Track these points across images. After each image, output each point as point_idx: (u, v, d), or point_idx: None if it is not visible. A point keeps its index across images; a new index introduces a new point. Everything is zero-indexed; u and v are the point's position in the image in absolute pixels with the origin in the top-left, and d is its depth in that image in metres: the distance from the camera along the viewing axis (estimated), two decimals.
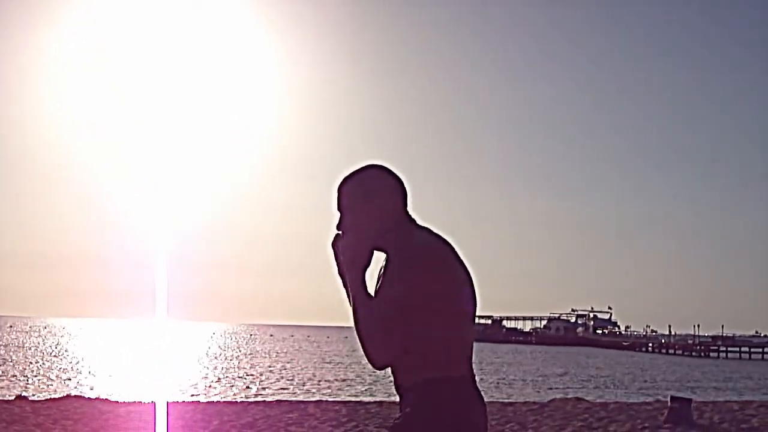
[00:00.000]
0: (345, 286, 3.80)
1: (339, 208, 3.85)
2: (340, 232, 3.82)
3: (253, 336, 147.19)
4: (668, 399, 19.19)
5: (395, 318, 3.57)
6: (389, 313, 3.57)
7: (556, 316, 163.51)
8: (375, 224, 3.78)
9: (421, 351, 3.63)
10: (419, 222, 3.85)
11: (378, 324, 3.59)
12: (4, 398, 24.03)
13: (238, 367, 47.45)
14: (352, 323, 3.69)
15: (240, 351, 74.09)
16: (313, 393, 31.53)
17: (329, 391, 33.07)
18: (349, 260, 3.77)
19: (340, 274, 3.81)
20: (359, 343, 3.63)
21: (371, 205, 3.78)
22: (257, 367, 48.80)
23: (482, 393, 3.76)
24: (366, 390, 34.33)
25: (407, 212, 3.85)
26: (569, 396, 29.86)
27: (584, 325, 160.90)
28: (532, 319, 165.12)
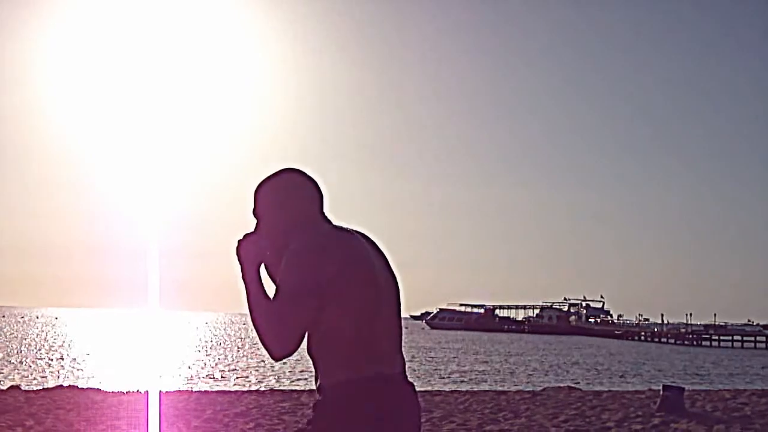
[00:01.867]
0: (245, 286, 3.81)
1: (254, 214, 3.89)
2: (241, 237, 3.83)
3: (246, 325, 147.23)
4: (661, 388, 19.22)
5: (287, 308, 3.56)
6: (281, 305, 3.57)
7: (549, 304, 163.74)
8: (281, 226, 3.80)
9: (327, 351, 3.65)
10: (336, 222, 3.87)
11: (270, 316, 3.59)
12: None
13: (231, 357, 47.46)
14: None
15: (233, 340, 74.10)
16: (307, 382, 31.53)
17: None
18: (244, 257, 3.78)
19: (242, 275, 3.80)
20: (257, 337, 3.65)
21: (282, 209, 3.82)
22: (250, 356, 48.80)
23: (414, 388, 3.79)
24: None
25: (323, 214, 3.87)
26: (562, 385, 29.89)
27: (577, 313, 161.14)
28: (524, 307, 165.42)
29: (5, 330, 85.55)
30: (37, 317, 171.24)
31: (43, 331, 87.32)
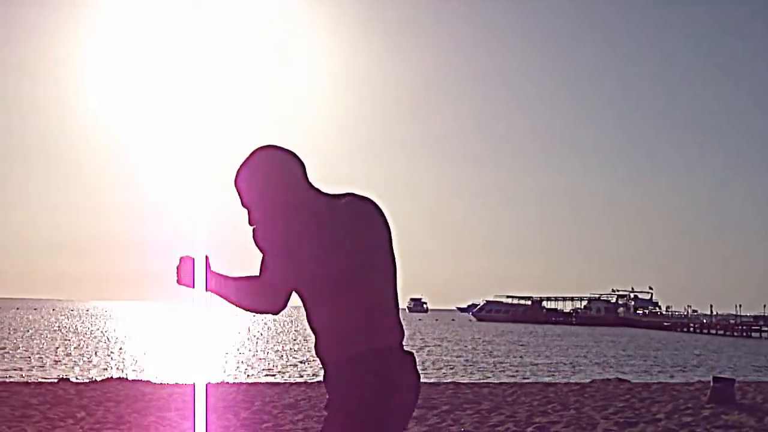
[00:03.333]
0: None
1: (243, 205, 3.80)
2: (254, 228, 3.82)
3: (294, 317, 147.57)
4: (711, 379, 19.07)
5: (275, 268, 3.69)
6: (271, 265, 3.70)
7: (597, 296, 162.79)
8: (281, 207, 3.74)
9: (338, 323, 3.65)
10: (326, 191, 3.83)
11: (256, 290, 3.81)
12: (48, 381, 24.21)
13: (279, 348, 47.60)
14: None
15: (281, 332, 74.31)
16: None
17: None
18: (264, 250, 3.82)
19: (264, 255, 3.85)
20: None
21: (270, 189, 3.72)
22: (299, 348, 48.92)
23: (414, 360, 3.79)
24: None
25: (309, 183, 3.80)
26: (611, 377, 29.74)
27: (625, 305, 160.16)
28: (572, 299, 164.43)
29: (55, 323, 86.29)
30: (87, 310, 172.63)
31: (92, 324, 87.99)
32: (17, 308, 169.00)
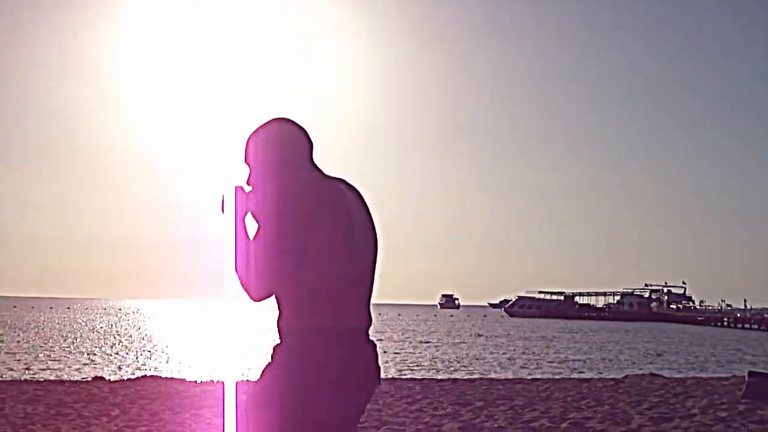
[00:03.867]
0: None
1: (246, 161, 3.95)
2: (250, 187, 3.91)
3: None
4: (746, 374, 18.94)
5: (270, 251, 3.63)
6: (265, 248, 3.64)
7: (630, 291, 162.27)
8: (271, 173, 3.85)
9: (289, 294, 3.67)
10: (327, 173, 3.91)
11: (249, 259, 3.69)
12: (82, 379, 24.33)
13: None
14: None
15: None
16: (387, 369, 31.57)
17: (403, 368, 33.09)
18: (256, 215, 3.82)
19: (256, 220, 3.84)
20: (238, 282, 3.74)
21: (273, 155, 3.86)
22: None
23: (376, 348, 3.80)
24: (440, 367, 34.29)
25: (313, 162, 3.92)
26: (644, 372, 29.61)
27: (658, 300, 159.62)
28: (605, 294, 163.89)
29: (89, 322, 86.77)
30: (120, 309, 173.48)
31: (125, 322, 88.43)
32: (51, 307, 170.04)
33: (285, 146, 3.87)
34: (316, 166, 3.93)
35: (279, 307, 3.76)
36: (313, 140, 3.97)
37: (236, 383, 20.15)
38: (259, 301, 3.74)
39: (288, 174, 3.81)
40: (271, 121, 3.96)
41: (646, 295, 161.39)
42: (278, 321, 3.76)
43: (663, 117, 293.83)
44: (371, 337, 3.81)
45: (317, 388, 3.58)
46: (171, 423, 13.00)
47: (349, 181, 3.91)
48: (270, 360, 3.73)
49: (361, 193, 3.92)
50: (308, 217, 3.64)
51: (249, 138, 3.95)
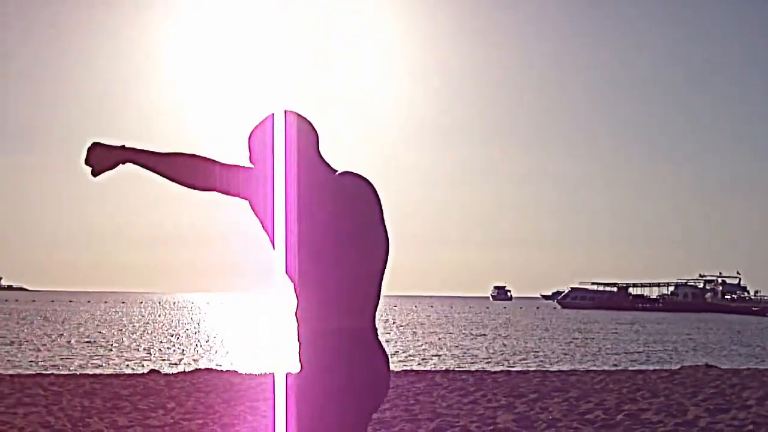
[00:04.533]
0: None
1: (250, 160, 3.80)
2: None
3: (384, 305, 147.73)
4: None
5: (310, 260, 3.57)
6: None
7: (684, 281, 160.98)
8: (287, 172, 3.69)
9: (330, 298, 3.58)
10: (334, 167, 3.76)
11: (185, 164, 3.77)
12: (138, 372, 24.53)
13: None
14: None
15: None
16: (442, 361, 31.56)
17: (456, 360, 33.08)
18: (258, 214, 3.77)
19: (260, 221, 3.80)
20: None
21: (278, 154, 3.71)
22: (381, 337, 49.02)
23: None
24: (493, 359, 34.24)
25: (320, 155, 3.75)
26: (699, 363, 29.40)
27: (712, 290, 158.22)
28: (658, 285, 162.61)
29: (143, 315, 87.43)
30: (174, 302, 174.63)
31: (179, 315, 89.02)
32: (106, 302, 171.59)
33: (292, 140, 3.70)
34: (323, 159, 3.77)
35: (298, 305, 3.71)
36: (317, 131, 3.79)
37: (286, 375, 20.25)
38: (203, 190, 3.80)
39: (299, 169, 3.67)
40: (273, 115, 3.77)
41: (701, 285, 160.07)
42: (299, 321, 3.70)
43: (714, 106, 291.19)
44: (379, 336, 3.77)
45: (349, 390, 3.55)
46: (227, 415, 13.09)
47: (359, 173, 3.69)
48: (300, 362, 3.68)
49: (372, 183, 3.69)
50: (328, 216, 3.57)
51: (251, 134, 3.79)
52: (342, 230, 3.57)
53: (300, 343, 3.70)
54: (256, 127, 3.78)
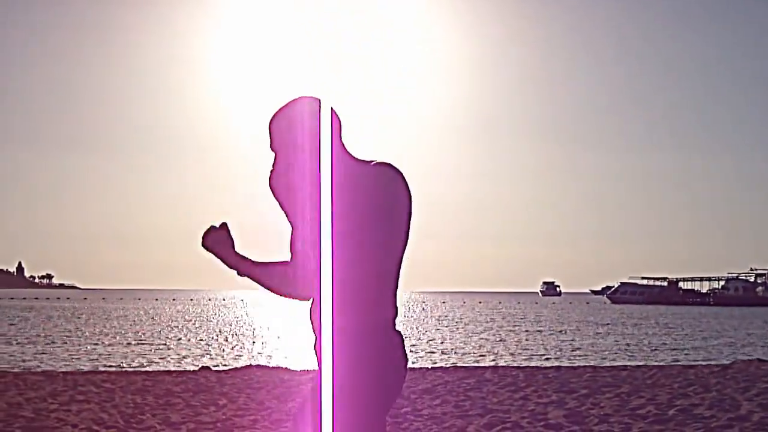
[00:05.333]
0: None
1: (271, 147, 3.69)
2: (274, 172, 3.72)
3: (425, 303, 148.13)
4: None
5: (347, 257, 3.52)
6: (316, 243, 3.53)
7: (735, 275, 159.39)
8: (305, 159, 3.62)
9: (349, 291, 3.55)
10: (355, 155, 3.70)
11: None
12: (189, 369, 24.70)
13: (412, 334, 47.77)
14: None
15: (412, 318, 74.55)
16: (492, 357, 31.51)
17: (505, 356, 33.02)
18: (280, 199, 3.72)
19: (284, 211, 3.74)
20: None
21: (302, 137, 3.62)
22: (432, 331, 49.02)
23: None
24: (543, 355, 34.15)
25: (341, 143, 3.67)
26: (752, 357, 29.17)
27: (764, 284, 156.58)
28: (709, 279, 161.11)
29: (194, 313, 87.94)
30: (223, 299, 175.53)
31: (229, 312, 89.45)
32: (156, 299, 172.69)
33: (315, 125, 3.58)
34: (345, 147, 3.68)
35: (315, 299, 3.70)
36: (340, 119, 3.70)
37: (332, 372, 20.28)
38: (307, 300, 3.76)
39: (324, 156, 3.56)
40: (295, 100, 3.67)
41: (752, 279, 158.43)
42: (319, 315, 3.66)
43: (760, 102, 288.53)
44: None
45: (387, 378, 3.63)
46: (278, 411, 13.15)
47: (388, 163, 3.61)
48: (317, 357, 3.72)
49: (401, 173, 3.59)
50: (346, 205, 3.51)
51: (272, 120, 3.69)
52: (360, 221, 3.51)
53: (317, 338, 3.71)
54: (277, 112, 3.69)
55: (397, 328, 3.70)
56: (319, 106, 3.63)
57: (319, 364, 3.64)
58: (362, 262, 3.53)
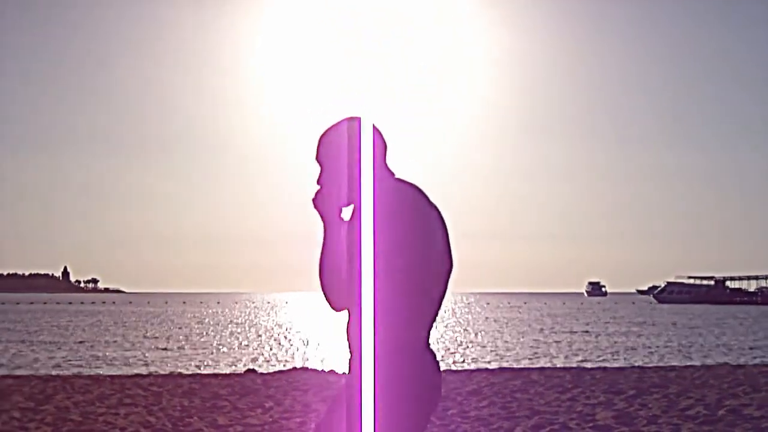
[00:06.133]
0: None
1: (317, 161, 3.87)
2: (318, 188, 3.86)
3: (469, 304, 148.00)
4: None
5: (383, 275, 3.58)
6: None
7: None
8: (346, 172, 3.79)
9: (387, 309, 3.62)
10: (397, 175, 3.84)
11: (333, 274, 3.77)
12: (235, 372, 24.76)
13: (457, 335, 47.71)
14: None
15: (457, 318, 74.47)
16: (537, 358, 31.41)
17: (551, 357, 32.89)
18: (323, 215, 3.81)
19: (323, 223, 3.83)
20: (321, 290, 3.82)
21: (347, 155, 3.79)
22: (478, 333, 48.94)
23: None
24: (589, 355, 33.98)
25: (385, 164, 3.83)
26: None
27: None
28: (756, 278, 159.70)
29: (238, 315, 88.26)
30: (268, 302, 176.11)
31: (273, 315, 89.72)
32: (201, 302, 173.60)
33: (360, 147, 3.80)
34: (389, 169, 3.84)
35: (353, 314, 3.75)
36: (385, 142, 3.88)
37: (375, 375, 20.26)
38: (341, 311, 3.83)
39: (370, 175, 3.75)
40: (345, 120, 3.87)
41: None
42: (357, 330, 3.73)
43: None
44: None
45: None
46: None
47: (415, 185, 3.78)
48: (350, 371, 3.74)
49: (426, 195, 3.77)
50: (388, 225, 3.61)
51: (321, 137, 3.88)
52: (396, 239, 3.61)
53: (354, 354, 3.76)
54: (328, 129, 3.88)
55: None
56: (365, 127, 3.83)
57: (358, 382, 3.62)
58: (396, 281, 3.62)
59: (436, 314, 3.76)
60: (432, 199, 3.78)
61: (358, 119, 3.85)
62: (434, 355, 3.77)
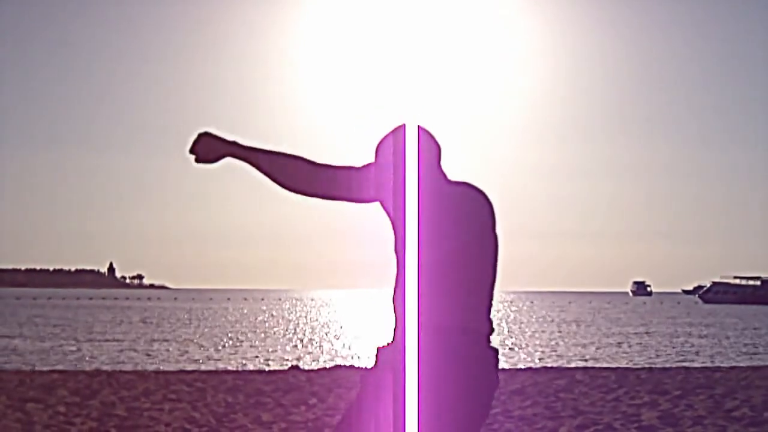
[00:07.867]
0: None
1: (376, 160, 3.94)
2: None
3: (512, 302, 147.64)
4: None
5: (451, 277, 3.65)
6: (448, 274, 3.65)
7: None
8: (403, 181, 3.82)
9: (451, 299, 3.66)
10: (452, 178, 3.91)
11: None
12: (279, 369, 24.84)
13: (501, 334, 47.62)
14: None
15: (501, 318, 74.31)
16: (582, 357, 31.28)
17: (596, 357, 32.74)
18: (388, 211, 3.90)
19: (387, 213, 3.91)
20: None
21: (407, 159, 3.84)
22: (518, 333, 48.84)
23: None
24: (635, 355, 33.81)
25: (441, 168, 3.91)
26: None
27: None
28: None
29: (282, 313, 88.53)
30: (312, 299, 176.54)
31: (317, 312, 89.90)
32: (245, 298, 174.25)
33: (419, 151, 3.85)
34: (443, 173, 3.90)
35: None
36: (440, 146, 3.96)
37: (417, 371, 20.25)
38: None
39: (427, 179, 3.81)
40: (401, 126, 3.93)
41: None
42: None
43: None
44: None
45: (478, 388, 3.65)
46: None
47: (473, 184, 3.86)
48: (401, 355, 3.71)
49: (485, 193, 3.85)
50: (449, 224, 3.70)
51: (379, 143, 3.93)
52: (461, 238, 3.70)
53: (398, 324, 3.76)
54: (386, 135, 3.93)
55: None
56: (422, 132, 3.91)
57: (402, 355, 3.64)
58: (459, 274, 3.69)
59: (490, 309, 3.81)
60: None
61: (418, 125, 3.92)
62: (496, 353, 3.78)
